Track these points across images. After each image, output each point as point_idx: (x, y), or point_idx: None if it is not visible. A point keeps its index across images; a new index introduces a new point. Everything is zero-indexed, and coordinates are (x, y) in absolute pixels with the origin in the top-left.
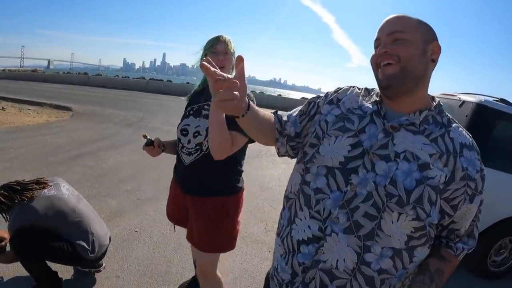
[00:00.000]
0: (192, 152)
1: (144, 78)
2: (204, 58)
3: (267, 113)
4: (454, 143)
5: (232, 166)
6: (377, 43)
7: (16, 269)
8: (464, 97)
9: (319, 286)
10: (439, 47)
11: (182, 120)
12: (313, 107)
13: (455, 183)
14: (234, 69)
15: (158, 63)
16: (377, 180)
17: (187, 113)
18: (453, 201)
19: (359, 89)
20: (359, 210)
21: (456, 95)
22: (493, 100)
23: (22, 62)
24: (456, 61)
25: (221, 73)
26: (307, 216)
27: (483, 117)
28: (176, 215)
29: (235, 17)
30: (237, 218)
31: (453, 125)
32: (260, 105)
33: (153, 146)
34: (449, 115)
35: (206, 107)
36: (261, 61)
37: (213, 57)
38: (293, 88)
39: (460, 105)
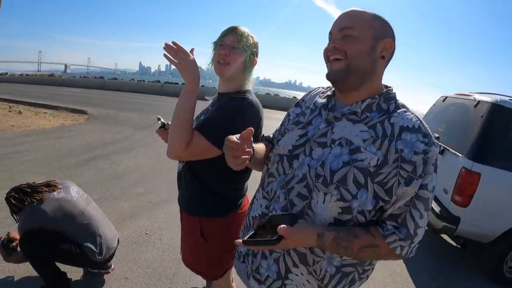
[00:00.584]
0: (181, 161)
1: (159, 81)
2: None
3: (260, 143)
4: (394, 127)
5: (215, 186)
6: (330, 37)
7: (27, 269)
8: (479, 97)
9: (262, 258)
10: (391, 44)
11: None
12: (287, 115)
13: (388, 166)
14: (248, 70)
15: (173, 66)
16: (311, 163)
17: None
18: (387, 184)
19: (324, 88)
20: (294, 190)
21: (471, 95)
22: (509, 99)
23: (39, 67)
24: (472, 60)
25: (235, 142)
26: (261, 196)
27: (499, 117)
28: None
29: (251, 17)
30: (219, 246)
31: (399, 110)
32: (275, 107)
33: (165, 129)
34: (401, 102)
35: (205, 111)
36: (276, 63)
37: (219, 50)
38: (308, 89)
39: (475, 105)
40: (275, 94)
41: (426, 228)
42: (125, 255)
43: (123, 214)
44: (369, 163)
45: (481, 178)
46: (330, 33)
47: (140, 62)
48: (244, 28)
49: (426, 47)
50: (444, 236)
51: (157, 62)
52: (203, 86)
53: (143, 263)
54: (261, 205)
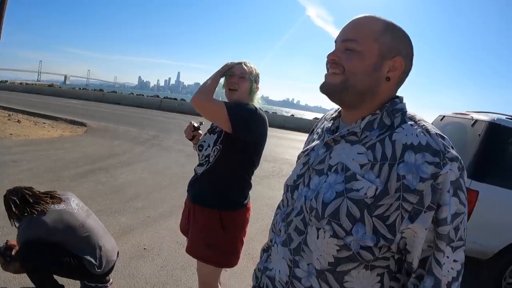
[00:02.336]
0: (204, 164)
1: (158, 96)
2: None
3: None
4: (395, 146)
5: (238, 182)
6: (335, 46)
7: (23, 281)
8: (477, 116)
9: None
10: (401, 64)
11: (201, 137)
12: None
13: (389, 197)
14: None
15: (172, 81)
16: (307, 194)
17: (205, 133)
18: (388, 219)
19: (334, 111)
20: (292, 223)
21: (468, 114)
22: (506, 118)
23: (39, 77)
24: (469, 79)
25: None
26: (271, 229)
27: (496, 135)
28: (184, 227)
29: (249, 37)
30: (237, 235)
31: (405, 124)
32: (273, 125)
33: (198, 129)
34: (410, 113)
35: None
36: (274, 82)
37: (230, 79)
38: (306, 108)
39: (473, 124)
40: (273, 112)
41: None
42: (123, 270)
43: (122, 229)
44: (365, 193)
45: (479, 196)
46: (335, 42)
47: (140, 76)
48: (249, 62)
49: (424, 66)
50: None
51: (156, 77)
52: None
53: (142, 278)
54: (269, 237)
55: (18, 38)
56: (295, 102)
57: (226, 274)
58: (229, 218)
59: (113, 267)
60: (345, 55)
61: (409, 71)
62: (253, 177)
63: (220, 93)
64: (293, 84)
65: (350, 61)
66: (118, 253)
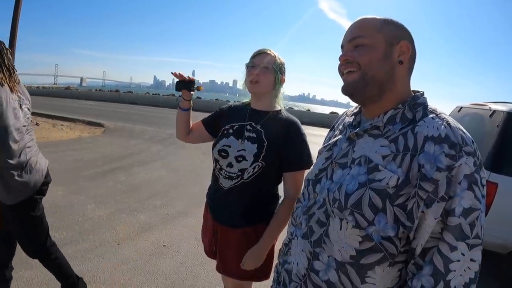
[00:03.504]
0: (234, 177)
1: (174, 95)
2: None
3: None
4: (417, 138)
5: (272, 195)
6: (342, 51)
7: (44, 279)
8: (495, 106)
9: (282, 285)
10: (408, 47)
11: (220, 139)
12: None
13: (410, 186)
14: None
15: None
16: (330, 187)
17: (225, 132)
18: (407, 207)
19: (355, 107)
20: (314, 216)
21: (486, 105)
22: None
23: (55, 80)
24: (488, 69)
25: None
26: (291, 223)
27: None
28: (210, 249)
29: (261, 32)
30: (273, 246)
31: (427, 117)
32: None
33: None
34: (432, 107)
35: (248, 127)
36: (289, 76)
37: (251, 70)
38: (322, 102)
39: (491, 115)
40: (289, 107)
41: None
42: (143, 267)
43: (141, 226)
44: (387, 183)
45: (498, 188)
46: (342, 46)
47: (155, 76)
48: (271, 50)
49: (440, 57)
50: None
51: (171, 76)
52: (217, 99)
53: (161, 275)
54: (289, 231)
55: (33, 43)
56: (311, 96)
57: None
58: (263, 231)
59: (46, 182)
60: (356, 52)
61: (415, 57)
62: None
63: (243, 87)
64: (309, 79)
65: (363, 55)
66: (48, 170)
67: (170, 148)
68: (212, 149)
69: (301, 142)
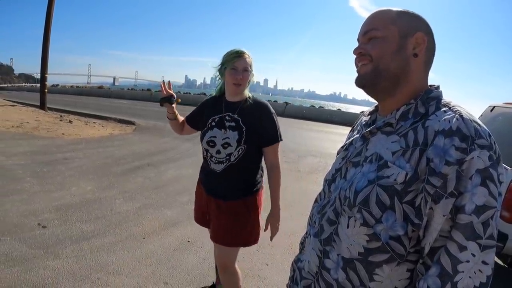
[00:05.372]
0: (223, 161)
1: (205, 94)
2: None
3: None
4: (427, 132)
5: (256, 170)
6: (358, 44)
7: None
8: None
9: (294, 282)
10: (424, 39)
11: (206, 131)
12: None
13: (418, 181)
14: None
15: (218, 79)
16: (343, 185)
17: (209, 125)
18: (415, 204)
19: (372, 107)
20: (326, 214)
21: None
22: None
23: (89, 79)
24: None
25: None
26: (307, 222)
27: None
28: (200, 218)
29: (290, 30)
30: (258, 214)
31: (439, 111)
32: (320, 119)
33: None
34: (446, 101)
35: (227, 118)
36: (320, 77)
37: (232, 73)
38: (354, 102)
39: None
40: (319, 107)
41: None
42: (166, 261)
43: (167, 222)
44: (395, 179)
45: None
46: (358, 40)
47: (186, 75)
48: (246, 52)
49: (472, 55)
50: None
51: (203, 75)
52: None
53: (184, 270)
54: (306, 230)
55: (65, 44)
56: (342, 96)
57: (267, 267)
58: (252, 201)
59: None
60: (370, 45)
61: (434, 49)
62: (298, 173)
63: (218, 84)
64: (340, 78)
65: (375, 48)
66: None
67: (199, 146)
68: (201, 141)
69: (272, 121)
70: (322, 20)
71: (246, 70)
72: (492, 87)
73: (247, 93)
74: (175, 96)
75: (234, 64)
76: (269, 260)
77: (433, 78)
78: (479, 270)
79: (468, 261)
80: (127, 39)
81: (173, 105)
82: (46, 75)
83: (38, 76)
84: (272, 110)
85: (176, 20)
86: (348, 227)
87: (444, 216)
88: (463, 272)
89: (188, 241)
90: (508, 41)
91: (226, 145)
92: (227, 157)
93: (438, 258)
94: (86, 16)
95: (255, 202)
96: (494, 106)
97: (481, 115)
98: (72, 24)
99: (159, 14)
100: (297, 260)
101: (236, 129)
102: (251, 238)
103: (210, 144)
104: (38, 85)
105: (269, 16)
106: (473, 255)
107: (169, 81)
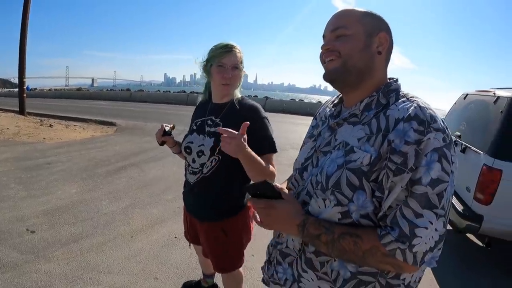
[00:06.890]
0: (196, 172)
1: (184, 91)
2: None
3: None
4: (389, 120)
5: (237, 187)
6: (324, 40)
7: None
8: (499, 93)
9: (277, 263)
10: (386, 38)
11: (185, 136)
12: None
13: (382, 160)
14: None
15: (198, 76)
16: (313, 171)
17: (190, 129)
18: (378, 178)
19: (335, 97)
20: (299, 198)
21: (491, 91)
22: None
23: (67, 82)
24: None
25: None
26: None
27: None
28: (187, 235)
29: (268, 21)
30: (241, 238)
31: (398, 101)
32: (300, 112)
33: (169, 135)
34: (404, 92)
35: (209, 122)
36: (299, 68)
37: (220, 71)
38: (335, 93)
39: (495, 101)
40: (300, 100)
41: (446, 228)
42: (155, 257)
43: (153, 219)
44: (361, 162)
45: (503, 175)
46: (324, 37)
47: (165, 73)
48: (237, 46)
49: (458, 44)
50: (470, 236)
51: (182, 72)
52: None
53: (172, 264)
54: None
55: (41, 47)
56: (322, 88)
57: (253, 258)
58: (231, 224)
59: None
60: (338, 42)
61: (392, 48)
62: (278, 166)
63: (202, 83)
64: (320, 70)
65: (345, 45)
66: None
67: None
68: (181, 146)
69: (263, 127)
70: (304, 14)
71: (236, 67)
72: (482, 74)
73: (237, 94)
74: (168, 127)
75: (222, 61)
76: (254, 251)
77: (412, 68)
78: (432, 237)
79: (426, 228)
80: (103, 39)
81: (172, 136)
82: (24, 80)
83: (15, 80)
84: (264, 114)
85: (150, 16)
86: (323, 206)
87: (402, 187)
88: (421, 237)
89: (175, 237)
90: (496, 27)
91: (200, 153)
92: (200, 168)
93: (395, 220)
94: (59, 16)
95: (237, 225)
96: (467, 94)
97: (455, 103)
98: (45, 26)
99: (134, 13)
100: (276, 244)
101: (214, 135)
102: (237, 262)
103: (187, 150)
104: (16, 89)
105: (248, 9)
106: (431, 223)
107: (162, 125)
